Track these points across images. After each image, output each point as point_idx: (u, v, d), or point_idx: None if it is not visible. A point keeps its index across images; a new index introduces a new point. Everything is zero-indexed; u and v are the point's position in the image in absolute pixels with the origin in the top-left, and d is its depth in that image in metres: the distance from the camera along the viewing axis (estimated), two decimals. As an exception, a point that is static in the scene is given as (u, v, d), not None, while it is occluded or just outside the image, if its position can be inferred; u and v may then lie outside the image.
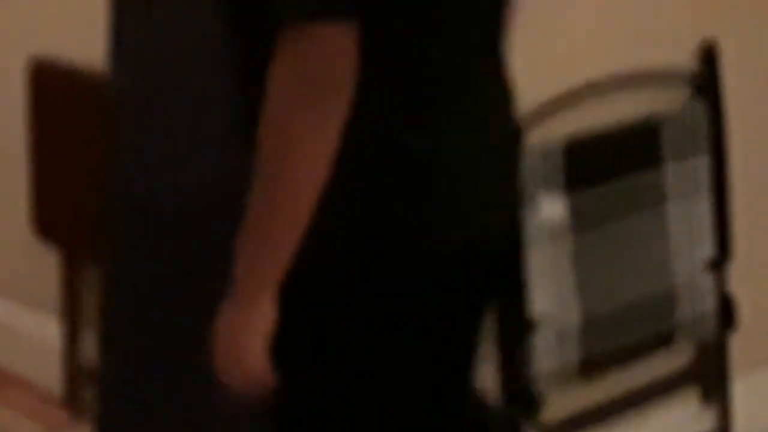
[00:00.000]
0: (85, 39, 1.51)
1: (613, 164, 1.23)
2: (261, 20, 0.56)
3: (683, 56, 1.35)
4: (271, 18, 0.53)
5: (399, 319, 0.59)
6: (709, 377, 1.39)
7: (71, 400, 1.68)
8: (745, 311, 1.39)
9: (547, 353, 1.19)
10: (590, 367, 1.24)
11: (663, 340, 1.30)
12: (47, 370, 1.76)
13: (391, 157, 0.57)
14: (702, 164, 1.30)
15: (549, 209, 1.19)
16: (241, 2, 0.60)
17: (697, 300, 1.32)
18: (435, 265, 0.59)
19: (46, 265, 1.74)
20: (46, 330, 1.78)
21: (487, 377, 1.03)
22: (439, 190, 0.58)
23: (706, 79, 1.31)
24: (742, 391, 1.42)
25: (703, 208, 1.32)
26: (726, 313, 1.31)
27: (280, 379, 0.57)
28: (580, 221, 1.19)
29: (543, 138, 1.13)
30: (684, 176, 1.29)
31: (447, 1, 0.57)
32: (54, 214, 1.61)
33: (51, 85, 1.58)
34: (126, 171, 1.14)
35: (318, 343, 0.60)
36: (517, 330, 1.15)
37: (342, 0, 0.52)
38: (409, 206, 0.57)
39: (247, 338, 0.57)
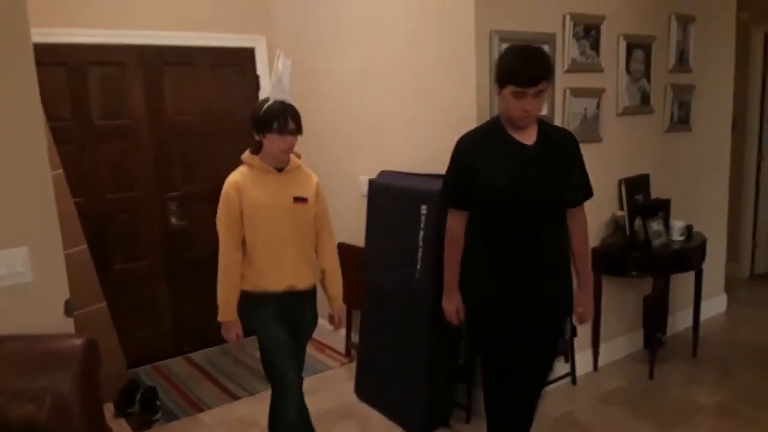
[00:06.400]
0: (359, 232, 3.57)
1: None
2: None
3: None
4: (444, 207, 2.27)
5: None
6: (567, 353, 3.50)
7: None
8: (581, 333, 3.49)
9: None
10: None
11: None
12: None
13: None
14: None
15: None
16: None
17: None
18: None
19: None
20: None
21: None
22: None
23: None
24: (581, 357, 3.57)
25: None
26: (573, 331, 3.43)
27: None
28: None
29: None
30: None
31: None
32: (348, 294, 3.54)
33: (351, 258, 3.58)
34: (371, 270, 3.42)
35: (468, 306, 2.29)
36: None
37: (454, 201, 2.24)
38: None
39: (450, 303, 2.33)
